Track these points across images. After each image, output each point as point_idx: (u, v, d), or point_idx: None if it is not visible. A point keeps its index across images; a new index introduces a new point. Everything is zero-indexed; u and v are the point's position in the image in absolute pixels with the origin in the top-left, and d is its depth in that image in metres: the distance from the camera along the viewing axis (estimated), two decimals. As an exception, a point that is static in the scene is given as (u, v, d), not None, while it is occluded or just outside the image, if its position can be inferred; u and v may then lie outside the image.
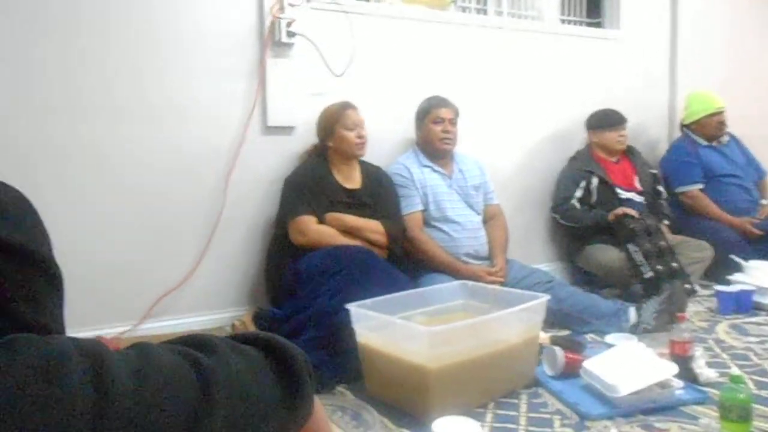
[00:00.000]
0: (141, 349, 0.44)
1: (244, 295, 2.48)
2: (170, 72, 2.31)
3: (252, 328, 2.14)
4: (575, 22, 3.55)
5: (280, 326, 2.03)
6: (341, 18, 2.64)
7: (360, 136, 2.38)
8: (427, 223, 2.56)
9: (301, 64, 2.55)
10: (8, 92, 2.05)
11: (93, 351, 0.40)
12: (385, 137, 2.73)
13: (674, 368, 1.69)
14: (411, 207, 2.53)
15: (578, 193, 3.02)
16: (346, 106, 2.41)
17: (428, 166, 2.61)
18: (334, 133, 2.39)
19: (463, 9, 3.20)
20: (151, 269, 2.30)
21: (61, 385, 0.37)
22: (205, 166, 2.38)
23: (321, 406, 0.58)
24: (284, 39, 2.47)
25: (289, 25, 2.46)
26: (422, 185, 2.57)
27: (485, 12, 3.24)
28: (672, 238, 2.90)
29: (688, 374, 1.76)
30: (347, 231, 2.28)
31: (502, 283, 2.36)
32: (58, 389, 0.36)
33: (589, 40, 3.42)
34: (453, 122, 2.63)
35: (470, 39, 3.02)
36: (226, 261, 2.43)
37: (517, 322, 1.78)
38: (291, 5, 2.48)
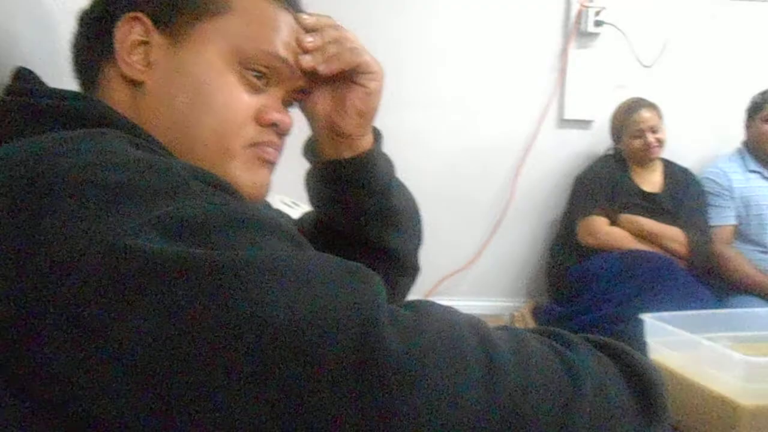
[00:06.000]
0: (511, 331, 0.46)
1: (522, 288, 2.49)
2: (479, 66, 2.41)
3: (531, 321, 2.14)
4: None
5: (561, 325, 1.96)
6: (657, 2, 2.41)
7: (646, 144, 2.15)
8: (744, 238, 2.21)
9: (607, 55, 2.41)
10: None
11: (478, 324, 0.43)
12: (697, 137, 2.43)
13: None
14: (721, 219, 2.20)
15: None
16: (633, 108, 2.19)
17: (757, 172, 2.22)
18: (621, 139, 2.25)
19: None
20: (440, 249, 2.44)
21: (460, 349, 0.39)
22: (499, 155, 2.44)
23: None
24: (590, 29, 2.36)
25: (597, 13, 2.35)
26: (743, 195, 2.20)
27: None
28: None
29: None
30: (642, 236, 2.10)
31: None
32: (458, 352, 0.39)
33: None
34: None
35: None
36: (509, 250, 2.46)
37: None
38: (602, -8, 2.37)
